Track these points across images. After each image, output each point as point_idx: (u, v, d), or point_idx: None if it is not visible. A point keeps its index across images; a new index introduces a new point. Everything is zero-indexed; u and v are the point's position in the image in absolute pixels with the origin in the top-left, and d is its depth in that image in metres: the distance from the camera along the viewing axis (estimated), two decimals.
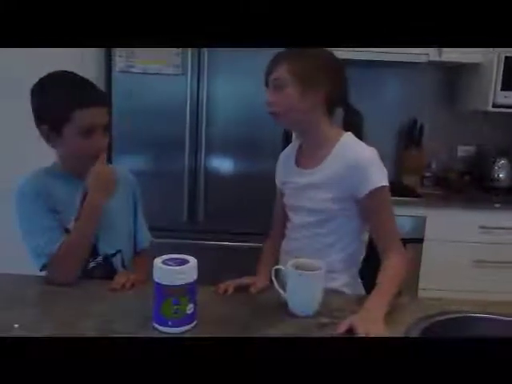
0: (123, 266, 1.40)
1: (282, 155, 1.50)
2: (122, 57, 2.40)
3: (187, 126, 2.43)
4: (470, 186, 2.96)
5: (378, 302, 1.15)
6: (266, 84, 1.31)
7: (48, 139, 1.27)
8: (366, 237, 1.38)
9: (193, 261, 1.04)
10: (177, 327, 1.02)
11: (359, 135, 1.34)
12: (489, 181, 2.93)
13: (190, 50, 2.37)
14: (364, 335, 1.01)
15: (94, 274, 1.35)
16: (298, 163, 1.40)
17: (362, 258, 1.39)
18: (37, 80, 1.28)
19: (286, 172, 1.43)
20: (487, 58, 2.71)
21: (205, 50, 2.37)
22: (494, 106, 2.69)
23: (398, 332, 1.04)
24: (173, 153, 2.50)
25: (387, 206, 1.29)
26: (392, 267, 1.25)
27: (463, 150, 3.14)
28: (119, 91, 2.43)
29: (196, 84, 2.43)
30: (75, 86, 1.27)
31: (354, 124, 1.35)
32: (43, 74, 1.28)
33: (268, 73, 1.30)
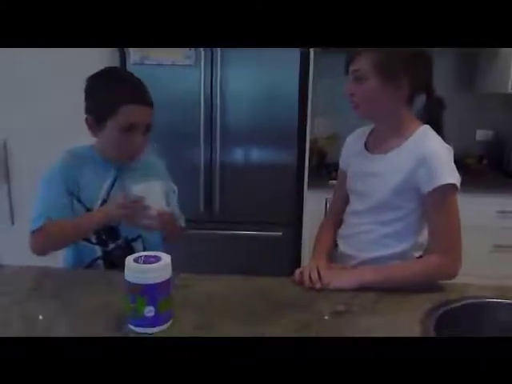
0: (144, 250, 1.40)
1: (350, 138, 1.44)
2: (135, 49, 2.41)
3: (202, 117, 2.44)
4: (489, 170, 2.91)
5: (369, 272, 1.21)
6: (347, 72, 1.25)
7: (91, 128, 1.32)
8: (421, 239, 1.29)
9: (159, 262, 0.95)
10: (136, 327, 0.97)
11: (438, 124, 1.29)
12: (507, 165, 2.88)
13: None
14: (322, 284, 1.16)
15: (112, 255, 1.38)
16: (367, 147, 1.35)
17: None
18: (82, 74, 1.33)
19: (353, 153, 1.38)
20: None
21: None
22: None
23: (416, 317, 1.04)
24: (188, 144, 2.51)
25: (450, 207, 1.20)
26: (422, 261, 1.24)
27: (481, 135, 3.09)
28: None
29: (209, 75, 2.43)
30: (125, 83, 1.31)
31: (433, 112, 1.30)
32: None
33: (348, 62, 1.24)
